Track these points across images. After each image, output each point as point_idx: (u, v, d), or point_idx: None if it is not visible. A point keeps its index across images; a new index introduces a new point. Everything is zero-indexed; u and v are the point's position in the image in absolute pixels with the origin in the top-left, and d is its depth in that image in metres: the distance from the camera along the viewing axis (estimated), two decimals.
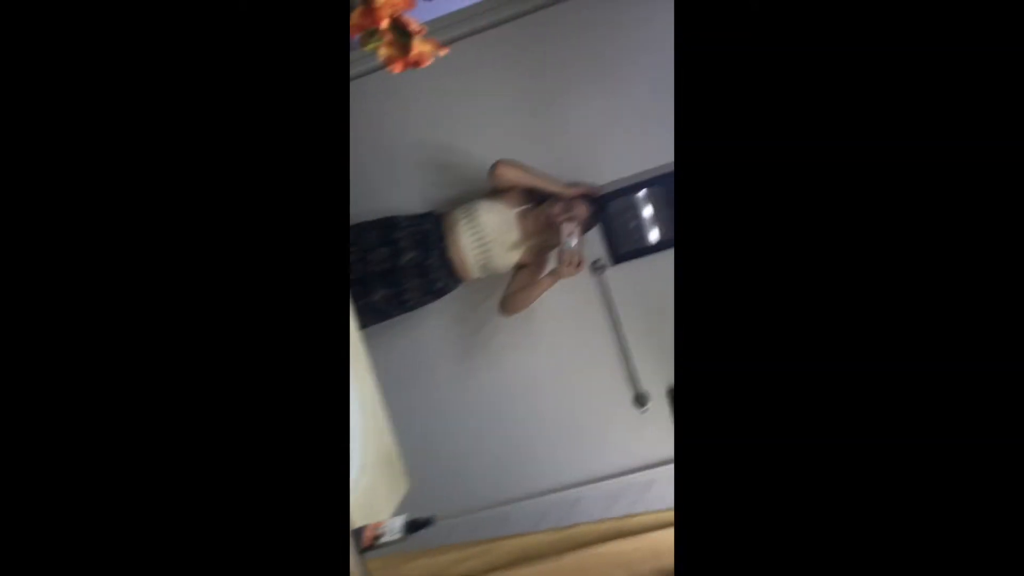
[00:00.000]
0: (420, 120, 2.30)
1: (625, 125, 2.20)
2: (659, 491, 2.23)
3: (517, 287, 2.04)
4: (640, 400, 2.24)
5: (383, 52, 1.09)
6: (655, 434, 2.25)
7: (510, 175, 1.97)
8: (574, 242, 1.87)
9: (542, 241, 2.03)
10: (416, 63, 1.11)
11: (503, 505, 2.28)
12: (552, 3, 2.21)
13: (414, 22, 1.08)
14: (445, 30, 2.23)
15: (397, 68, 1.11)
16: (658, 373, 2.24)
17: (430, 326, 2.32)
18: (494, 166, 1.96)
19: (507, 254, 2.01)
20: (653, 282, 2.23)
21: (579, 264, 1.88)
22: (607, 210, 2.22)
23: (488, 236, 1.98)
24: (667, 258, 2.23)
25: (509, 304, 2.04)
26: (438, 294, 2.05)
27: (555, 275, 1.93)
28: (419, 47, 1.09)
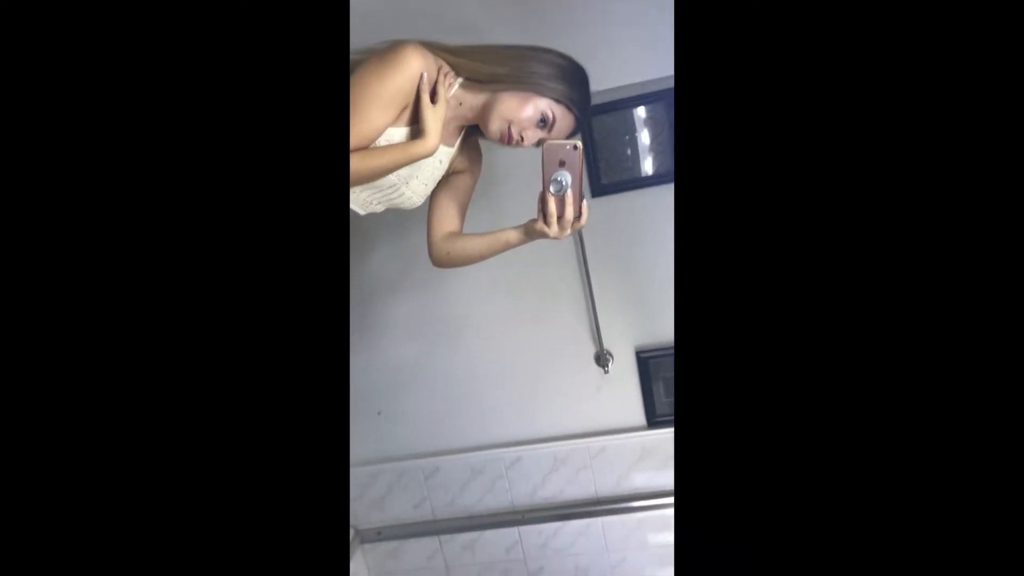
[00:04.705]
0: None
1: (628, 26, 1.69)
2: (609, 458, 1.98)
3: (448, 221, 1.28)
4: (601, 360, 1.93)
5: None
6: (613, 399, 1.95)
7: (414, 63, 1.04)
8: (570, 180, 1.06)
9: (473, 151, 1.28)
10: None
11: (433, 456, 2.04)
12: None
13: None
14: None
15: None
16: (627, 333, 1.91)
17: (363, 256, 1.95)
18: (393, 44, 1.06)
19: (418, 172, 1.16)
20: (638, 224, 1.83)
21: (579, 217, 1.09)
22: (596, 128, 1.77)
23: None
24: (658, 194, 1.80)
25: (441, 252, 1.28)
26: None
27: (533, 231, 1.13)
28: None
